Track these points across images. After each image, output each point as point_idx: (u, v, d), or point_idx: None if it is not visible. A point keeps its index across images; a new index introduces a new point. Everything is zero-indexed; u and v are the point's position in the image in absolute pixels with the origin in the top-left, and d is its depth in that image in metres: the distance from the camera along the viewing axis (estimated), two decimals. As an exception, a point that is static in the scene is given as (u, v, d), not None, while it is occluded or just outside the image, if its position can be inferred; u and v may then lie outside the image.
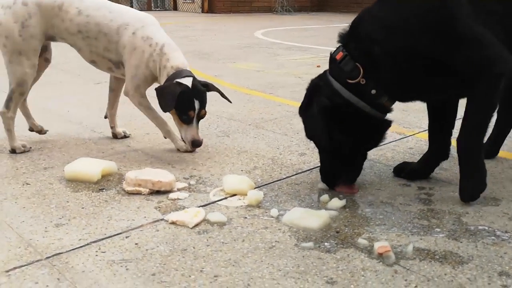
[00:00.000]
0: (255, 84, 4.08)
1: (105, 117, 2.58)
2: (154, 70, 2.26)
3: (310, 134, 1.85)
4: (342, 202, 1.77)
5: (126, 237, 1.55)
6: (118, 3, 2.46)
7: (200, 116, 2.22)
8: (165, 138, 2.42)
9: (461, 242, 1.50)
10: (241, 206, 1.79)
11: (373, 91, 1.73)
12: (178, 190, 1.90)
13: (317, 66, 4.97)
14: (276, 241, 1.53)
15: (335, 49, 1.83)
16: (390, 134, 2.66)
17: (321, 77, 1.84)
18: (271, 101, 3.47)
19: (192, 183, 1.98)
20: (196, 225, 1.63)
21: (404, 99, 1.87)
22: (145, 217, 1.69)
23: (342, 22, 11.17)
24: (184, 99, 2.13)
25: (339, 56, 1.77)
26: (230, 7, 14.80)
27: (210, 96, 2.31)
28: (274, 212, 1.71)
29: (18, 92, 2.27)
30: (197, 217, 1.66)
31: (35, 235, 1.55)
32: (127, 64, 2.26)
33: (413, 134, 2.67)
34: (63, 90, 3.79)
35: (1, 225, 1.60)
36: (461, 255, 1.43)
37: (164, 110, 2.16)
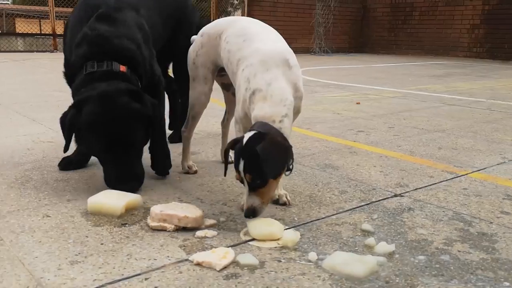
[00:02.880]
0: (292, 119, 3.93)
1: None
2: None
3: None
4: (391, 247, 1.55)
5: (145, 279, 1.38)
6: None
7: (248, 181, 1.69)
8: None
9: (537, 301, 1.26)
10: (275, 247, 1.60)
11: None
12: (206, 227, 1.74)
13: (357, 103, 4.80)
14: (315, 290, 1.32)
15: None
16: (440, 173, 2.44)
17: None
18: (308, 136, 3.30)
19: (222, 220, 1.81)
20: (224, 267, 1.45)
21: None
22: (168, 256, 1.52)
23: (380, 63, 11.07)
24: (235, 159, 1.74)
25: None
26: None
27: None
28: (312, 256, 1.51)
29: (191, 115, 2.38)
30: (226, 258, 1.48)
31: (47, 273, 1.40)
32: (236, 94, 1.99)
33: (466, 174, 2.43)
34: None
35: (13, 261, 1.47)
36: (540, 316, 1.18)
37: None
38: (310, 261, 1.50)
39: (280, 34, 2.08)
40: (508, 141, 3.19)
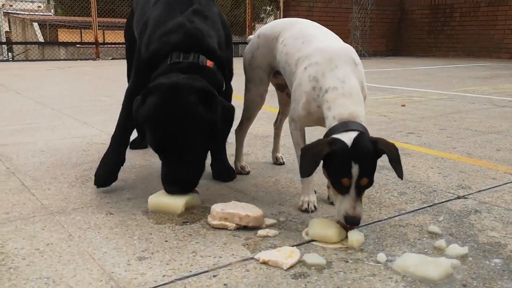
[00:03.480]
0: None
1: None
2: (318, 116, 1.80)
3: None
4: (464, 250, 1.50)
5: (214, 276, 1.38)
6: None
7: (361, 185, 1.59)
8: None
9: None
10: (340, 248, 1.56)
11: None
12: (267, 226, 1.72)
13: (402, 105, 4.70)
14: (388, 291, 1.29)
15: None
16: (503, 175, 2.35)
17: None
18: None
19: (282, 220, 1.79)
20: (291, 267, 1.43)
21: None
22: (233, 254, 1.51)
23: (420, 66, 10.84)
24: (338, 162, 1.58)
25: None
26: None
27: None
28: (381, 257, 1.47)
29: (245, 116, 2.37)
30: (292, 257, 1.46)
31: (117, 268, 1.41)
32: (292, 93, 1.91)
33: (530, 176, 2.33)
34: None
35: (83, 255, 1.49)
36: None
37: (302, 175, 1.68)
38: (378, 262, 1.46)
39: None
40: None
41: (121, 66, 3.63)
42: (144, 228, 1.71)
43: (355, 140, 1.57)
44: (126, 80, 2.65)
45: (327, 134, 1.68)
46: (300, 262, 1.46)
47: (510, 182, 2.24)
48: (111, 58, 12.44)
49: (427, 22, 15.07)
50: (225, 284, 1.33)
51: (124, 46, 3.49)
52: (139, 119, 1.88)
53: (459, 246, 1.51)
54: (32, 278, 1.35)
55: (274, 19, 15.39)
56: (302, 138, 1.95)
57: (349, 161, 1.55)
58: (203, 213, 1.86)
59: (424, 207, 1.93)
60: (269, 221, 1.76)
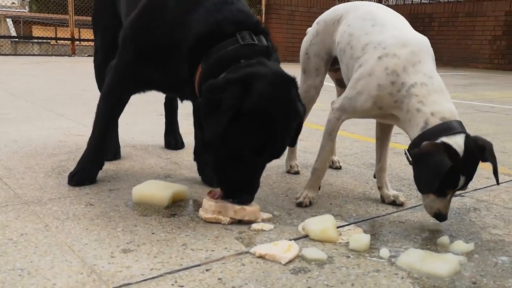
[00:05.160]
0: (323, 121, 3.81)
1: (374, 177, 2.00)
2: (390, 109, 1.65)
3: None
4: (470, 246, 1.43)
5: (207, 270, 1.27)
6: None
7: (458, 191, 1.55)
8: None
9: None
10: (340, 242, 1.47)
11: None
12: (263, 220, 1.62)
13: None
14: (396, 288, 1.20)
15: None
16: (497, 174, 2.30)
17: None
18: (345, 137, 3.18)
19: (276, 214, 1.69)
20: (290, 261, 1.33)
21: None
22: (226, 248, 1.40)
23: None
24: (448, 174, 1.43)
25: None
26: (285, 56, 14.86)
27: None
28: (384, 252, 1.39)
29: None
30: (290, 252, 1.36)
31: (99, 260, 1.29)
32: (351, 81, 1.73)
33: (524, 176, 2.30)
34: (127, 120, 3.62)
35: (61, 246, 1.36)
36: None
37: (422, 191, 1.55)
38: (382, 257, 1.37)
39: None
40: (558, 146, 3.04)
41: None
42: (128, 220, 1.59)
43: (466, 148, 1.46)
44: (94, 73, 2.42)
45: (429, 135, 1.51)
46: (299, 256, 1.36)
47: (505, 182, 2.19)
48: (87, 55, 12.16)
49: (406, 31, 15.23)
50: (219, 279, 1.22)
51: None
52: (247, 109, 1.45)
53: (464, 242, 1.44)
54: (4, 269, 1.21)
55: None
56: (338, 129, 1.83)
57: (459, 174, 1.47)
58: (191, 206, 1.75)
59: (420, 205, 1.85)
60: (265, 215, 1.65)
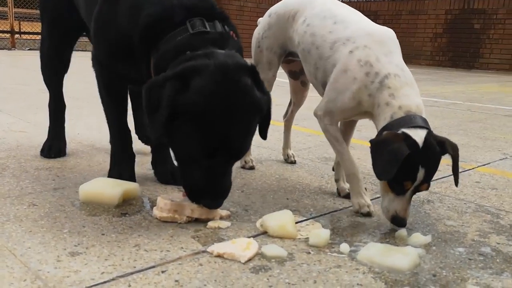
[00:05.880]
0: (278, 115, 3.79)
1: (333, 169, 1.97)
2: (367, 106, 1.61)
3: None
4: (427, 239, 1.43)
5: (162, 271, 1.20)
6: None
7: (420, 189, 1.49)
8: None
9: None
10: (299, 238, 1.44)
11: None
12: (221, 218, 1.56)
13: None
14: (358, 284, 1.18)
15: None
16: (446, 167, 2.36)
17: None
18: (298, 131, 3.17)
19: (233, 210, 1.64)
20: (249, 259, 1.28)
21: None
22: (182, 247, 1.34)
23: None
24: (406, 163, 1.41)
25: None
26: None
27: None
28: (344, 247, 1.37)
29: None
30: (250, 250, 1.31)
31: (44, 265, 1.19)
32: (330, 84, 1.69)
33: (473, 168, 2.36)
34: (72, 115, 3.45)
35: (1, 251, 1.25)
36: None
37: (380, 177, 1.49)
38: (342, 253, 1.35)
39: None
40: (501, 138, 3.17)
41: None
42: (75, 220, 1.49)
43: (426, 141, 1.43)
44: (41, 65, 2.24)
45: (392, 126, 1.49)
46: (259, 254, 1.32)
47: (455, 174, 2.24)
48: (28, 48, 11.58)
49: (353, 28, 15.55)
50: (176, 280, 1.16)
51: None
52: (187, 109, 1.33)
53: (422, 235, 1.45)
54: None
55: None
56: (339, 132, 1.75)
57: (417, 165, 1.42)
58: (143, 204, 1.67)
59: (378, 197, 1.86)
60: (223, 212, 1.59)
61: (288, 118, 2.37)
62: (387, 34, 1.65)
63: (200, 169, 1.40)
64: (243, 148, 1.43)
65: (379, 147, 1.46)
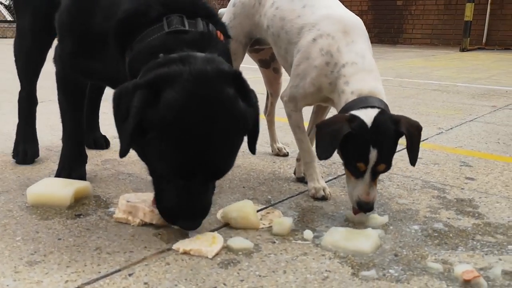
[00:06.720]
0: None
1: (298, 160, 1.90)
2: (327, 92, 1.62)
3: None
4: (385, 219, 1.50)
5: (129, 274, 1.17)
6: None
7: (378, 170, 1.46)
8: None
9: (541, 259, 1.27)
10: (262, 228, 1.45)
11: None
12: (179, 213, 1.53)
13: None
14: (326, 270, 1.21)
15: None
16: (390, 145, 2.46)
17: None
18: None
19: (192, 204, 1.62)
20: (216, 254, 1.27)
21: None
22: (145, 247, 1.31)
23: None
24: (355, 145, 1.42)
25: None
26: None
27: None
28: (308, 234, 1.40)
29: None
30: (216, 244, 1.31)
31: (1, 278, 1.12)
32: (293, 69, 1.69)
33: (413, 145, 2.48)
34: (4, 109, 3.22)
35: (-51, 268, 1.16)
36: (552, 274, 1.19)
37: (320, 157, 1.48)
38: (306, 239, 1.38)
39: None
40: (434, 113, 3.34)
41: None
42: (27, 226, 1.41)
43: (376, 120, 1.41)
44: (19, 61, 2.02)
45: (344, 110, 1.50)
46: (225, 248, 1.31)
47: (400, 150, 2.34)
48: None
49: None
50: (145, 283, 1.13)
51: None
52: (149, 124, 1.19)
53: (379, 215, 1.50)
54: None
55: None
56: (302, 119, 1.74)
57: (368, 145, 1.40)
58: (97, 204, 1.60)
59: (330, 179, 1.91)
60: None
61: (270, 113, 2.32)
62: (353, 22, 1.65)
63: (175, 188, 1.27)
64: (225, 167, 1.28)
65: (322, 129, 1.49)
